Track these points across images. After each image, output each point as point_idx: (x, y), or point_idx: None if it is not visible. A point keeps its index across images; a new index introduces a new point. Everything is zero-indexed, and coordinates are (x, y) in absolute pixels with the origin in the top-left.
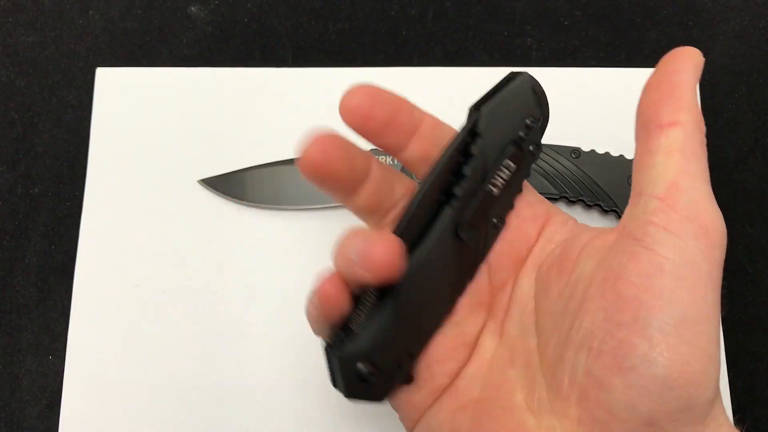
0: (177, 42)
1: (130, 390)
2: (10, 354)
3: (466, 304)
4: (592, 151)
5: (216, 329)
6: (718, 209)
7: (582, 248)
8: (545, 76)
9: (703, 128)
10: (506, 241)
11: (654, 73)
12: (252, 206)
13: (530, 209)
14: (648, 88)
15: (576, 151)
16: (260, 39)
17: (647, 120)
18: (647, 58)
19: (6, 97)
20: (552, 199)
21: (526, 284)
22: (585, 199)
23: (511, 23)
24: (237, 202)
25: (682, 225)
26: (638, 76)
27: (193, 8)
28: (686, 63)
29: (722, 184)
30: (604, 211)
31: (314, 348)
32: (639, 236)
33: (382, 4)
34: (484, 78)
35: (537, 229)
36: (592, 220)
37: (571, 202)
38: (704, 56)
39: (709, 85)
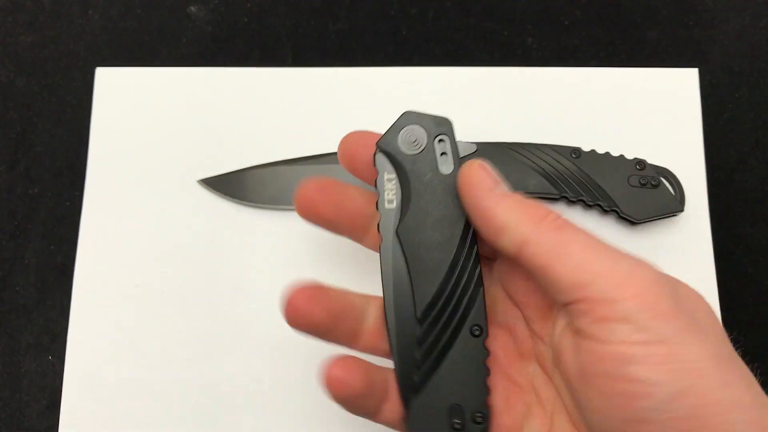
0: (177, 42)
1: (130, 390)
2: (9, 354)
3: (510, 352)
4: (593, 151)
5: (215, 329)
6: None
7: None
8: (545, 75)
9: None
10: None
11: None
12: (252, 206)
13: None
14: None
15: (576, 151)
16: (260, 39)
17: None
18: (648, 58)
19: (5, 97)
20: (552, 200)
21: (558, 332)
22: (585, 199)
23: (511, 23)
24: (237, 202)
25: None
26: (639, 76)
27: (192, 8)
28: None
29: (722, 184)
30: (605, 211)
31: (314, 348)
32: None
33: (382, 4)
34: (485, 78)
35: None
36: (592, 220)
37: (571, 202)
38: (705, 56)
39: (709, 85)
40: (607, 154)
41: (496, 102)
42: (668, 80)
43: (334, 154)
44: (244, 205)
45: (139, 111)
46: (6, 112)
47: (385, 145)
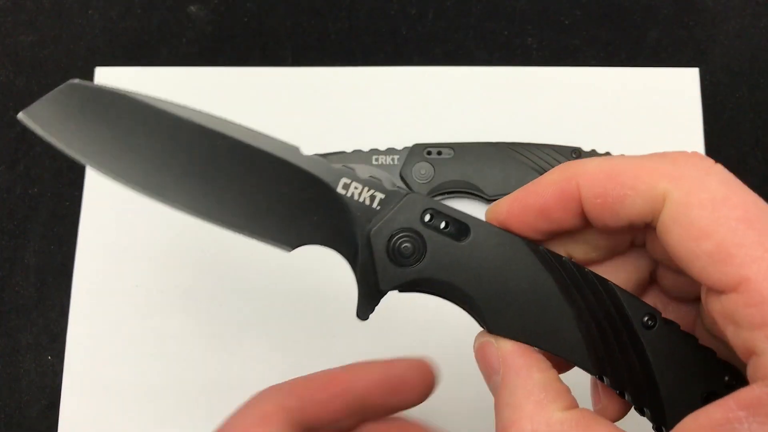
0: (177, 41)
1: (130, 389)
2: (9, 354)
3: None
4: (593, 151)
5: (215, 329)
6: None
7: None
8: (545, 75)
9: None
10: None
11: None
12: None
13: None
14: None
15: (576, 151)
16: (260, 39)
17: None
18: (648, 58)
19: (5, 97)
20: None
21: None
22: None
23: (511, 23)
24: None
25: None
26: (639, 76)
27: (192, 8)
28: None
29: None
30: None
31: (313, 347)
32: None
33: (382, 4)
34: (485, 78)
35: None
36: None
37: None
38: (705, 56)
39: (709, 85)
40: (608, 153)
41: (496, 102)
42: (668, 80)
43: (334, 154)
44: None
45: None
46: (6, 112)
47: (395, 281)
